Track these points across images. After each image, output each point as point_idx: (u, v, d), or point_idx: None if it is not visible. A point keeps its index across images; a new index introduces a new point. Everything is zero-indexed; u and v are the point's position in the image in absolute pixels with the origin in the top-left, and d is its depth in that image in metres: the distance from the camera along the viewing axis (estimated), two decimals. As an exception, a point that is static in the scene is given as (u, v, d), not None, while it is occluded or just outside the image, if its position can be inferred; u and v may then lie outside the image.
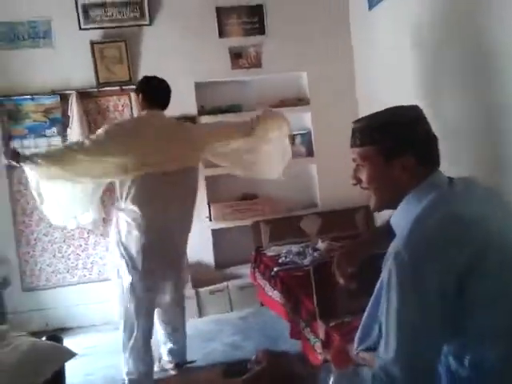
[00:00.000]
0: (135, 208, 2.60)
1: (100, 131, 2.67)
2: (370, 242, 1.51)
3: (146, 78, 2.91)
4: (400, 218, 1.22)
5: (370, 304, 1.35)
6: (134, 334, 2.66)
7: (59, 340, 1.94)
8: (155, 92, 2.79)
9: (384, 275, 1.12)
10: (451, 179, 1.23)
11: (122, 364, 2.72)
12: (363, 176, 1.26)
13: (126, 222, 2.64)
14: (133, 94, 3.80)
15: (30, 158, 2.58)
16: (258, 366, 1.15)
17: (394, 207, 1.24)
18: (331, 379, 0.85)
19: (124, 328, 2.68)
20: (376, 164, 1.22)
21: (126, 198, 2.63)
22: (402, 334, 1.05)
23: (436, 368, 1.11)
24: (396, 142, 1.20)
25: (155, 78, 2.86)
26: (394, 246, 1.12)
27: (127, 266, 2.62)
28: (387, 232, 1.29)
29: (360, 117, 1.31)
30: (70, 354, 1.88)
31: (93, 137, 2.65)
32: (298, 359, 1.24)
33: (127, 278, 2.63)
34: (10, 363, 1.68)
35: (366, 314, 1.36)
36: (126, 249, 2.63)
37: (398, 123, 1.21)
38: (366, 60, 3.91)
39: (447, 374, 1.14)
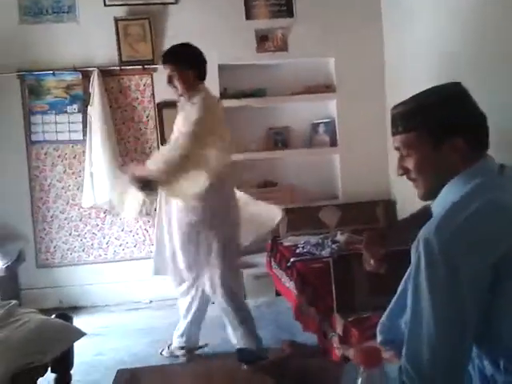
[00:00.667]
0: None
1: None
2: (405, 226, 1.40)
3: (190, 47, 2.67)
4: (438, 203, 1.13)
5: (398, 291, 1.26)
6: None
7: (69, 319, 1.89)
8: (205, 65, 2.67)
9: (412, 261, 1.05)
10: (503, 166, 1.12)
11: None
12: (410, 165, 1.16)
13: None
14: (159, 71, 3.70)
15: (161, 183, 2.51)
16: (282, 355, 1.12)
17: None
18: (359, 380, 0.78)
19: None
20: (423, 151, 1.12)
21: None
22: (430, 326, 0.98)
23: (466, 367, 1.04)
24: (442, 124, 1.10)
25: (195, 48, 2.68)
26: (424, 232, 1.04)
27: None
28: (425, 218, 1.19)
29: (394, 104, 1.20)
30: (79, 334, 1.84)
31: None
32: (321, 355, 1.18)
33: None
34: (17, 340, 1.65)
35: (394, 299, 1.26)
36: None
37: (442, 102, 1.11)
38: (397, 47, 3.77)
39: (481, 379, 1.07)
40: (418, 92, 1.17)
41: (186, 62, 2.60)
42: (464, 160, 1.10)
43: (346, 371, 1.06)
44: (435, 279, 0.98)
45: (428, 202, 1.21)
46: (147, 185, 2.47)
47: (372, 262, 1.34)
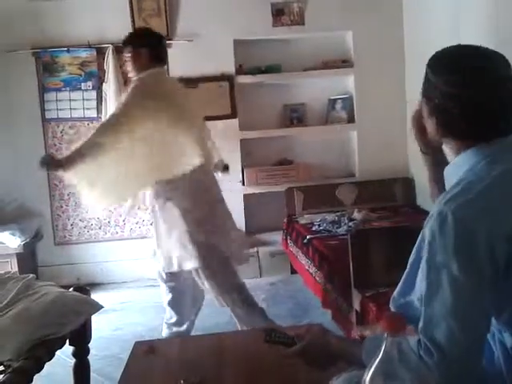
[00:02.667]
0: None
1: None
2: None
3: (148, 30, 2.66)
4: (452, 172, 1.09)
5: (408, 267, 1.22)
6: None
7: (86, 292, 1.90)
8: (162, 48, 2.54)
9: (426, 234, 1.02)
10: None
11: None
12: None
13: None
14: (173, 46, 3.63)
15: (74, 162, 2.32)
16: (301, 340, 1.14)
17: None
18: (383, 346, 0.76)
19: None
20: (424, 114, 1.12)
21: None
22: (447, 298, 0.96)
23: (485, 339, 1.02)
24: (432, 103, 1.07)
25: (154, 31, 2.61)
26: (437, 204, 1.01)
27: None
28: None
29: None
30: (97, 307, 1.85)
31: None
32: (338, 337, 1.17)
33: None
34: (35, 312, 1.66)
35: (404, 275, 1.23)
36: None
37: (446, 79, 1.04)
38: (417, 20, 3.66)
39: (502, 350, 1.04)
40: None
41: (140, 41, 2.49)
42: (464, 136, 1.06)
43: (367, 344, 1.04)
44: (450, 248, 0.96)
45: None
46: (45, 162, 2.34)
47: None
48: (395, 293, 1.22)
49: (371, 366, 0.80)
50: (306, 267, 3.09)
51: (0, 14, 3.70)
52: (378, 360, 0.79)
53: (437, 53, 1.11)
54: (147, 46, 2.46)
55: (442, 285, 0.96)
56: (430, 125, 1.10)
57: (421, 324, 0.99)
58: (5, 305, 1.69)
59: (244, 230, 4.02)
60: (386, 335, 0.78)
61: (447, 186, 1.11)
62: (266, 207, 4.04)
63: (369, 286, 2.14)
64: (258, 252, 3.88)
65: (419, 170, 3.78)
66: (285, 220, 3.83)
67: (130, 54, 2.48)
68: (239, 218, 3.99)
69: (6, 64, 3.71)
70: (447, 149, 1.12)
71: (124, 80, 3.76)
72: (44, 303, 1.69)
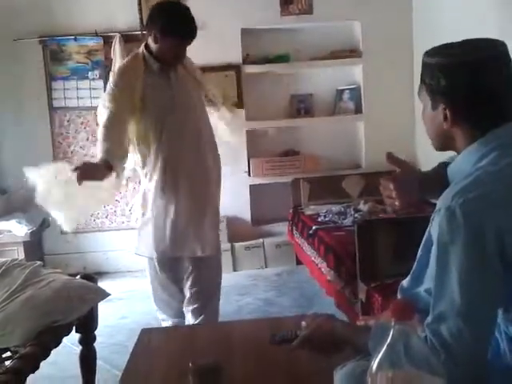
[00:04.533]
0: None
1: None
2: (435, 177, 1.23)
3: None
4: (457, 169, 1.08)
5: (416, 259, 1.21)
6: None
7: (93, 280, 1.91)
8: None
9: (433, 231, 1.01)
10: None
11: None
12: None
13: None
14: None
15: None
16: (306, 330, 1.13)
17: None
18: (391, 333, 0.77)
19: None
20: (426, 105, 1.10)
21: None
22: (455, 294, 0.95)
23: (492, 335, 1.01)
24: (441, 89, 1.04)
25: None
26: (444, 198, 1.00)
27: None
28: (440, 181, 1.14)
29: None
30: (104, 294, 1.86)
31: None
32: (345, 323, 1.17)
33: None
34: (42, 299, 1.67)
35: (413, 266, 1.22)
36: None
37: (453, 66, 1.03)
38: (426, 9, 3.62)
39: (508, 344, 1.03)
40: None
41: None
42: (468, 134, 1.05)
43: (374, 332, 1.04)
44: (459, 244, 0.94)
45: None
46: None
47: (397, 202, 1.17)
48: (403, 282, 1.22)
49: (377, 355, 0.79)
50: (312, 258, 3.09)
51: (8, 3, 3.69)
52: (384, 349, 0.78)
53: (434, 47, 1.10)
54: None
55: (450, 281, 0.95)
56: (435, 118, 1.08)
57: (428, 320, 0.98)
58: (12, 291, 1.70)
59: (250, 220, 4.03)
60: (393, 323, 0.77)
61: (452, 180, 1.09)
62: (271, 198, 4.04)
63: (374, 276, 2.14)
64: (263, 243, 3.88)
65: (427, 162, 3.76)
66: (290, 211, 3.82)
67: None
68: (245, 209, 4.00)
69: (13, 52, 3.71)
70: (456, 141, 1.09)
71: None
72: (51, 290, 1.70)
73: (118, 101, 2.14)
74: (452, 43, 1.10)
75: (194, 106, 2.32)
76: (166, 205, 2.25)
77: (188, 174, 2.26)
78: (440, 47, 1.09)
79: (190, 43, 2.26)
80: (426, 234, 1.11)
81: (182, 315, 2.39)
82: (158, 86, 2.23)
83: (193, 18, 2.21)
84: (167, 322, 2.42)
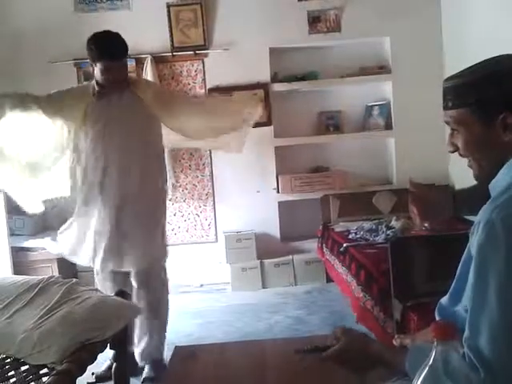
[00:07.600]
0: None
1: None
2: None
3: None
4: (497, 183, 1.05)
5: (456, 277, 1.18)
6: None
7: (127, 296, 1.92)
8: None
9: (473, 245, 0.98)
10: None
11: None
12: (459, 142, 1.09)
13: None
14: (210, 56, 3.69)
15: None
16: (337, 342, 1.11)
17: None
18: (433, 353, 0.74)
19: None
20: (473, 129, 1.05)
21: None
22: (493, 311, 0.92)
23: None
24: (497, 98, 1.01)
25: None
26: (484, 211, 0.97)
27: None
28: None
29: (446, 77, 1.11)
30: (137, 311, 1.87)
31: None
32: (378, 342, 1.14)
33: None
34: (78, 316, 1.68)
35: (452, 284, 1.19)
36: None
37: (501, 74, 1.01)
38: (456, 25, 3.59)
39: None
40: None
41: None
42: None
43: (412, 353, 1.02)
44: (500, 259, 0.92)
45: None
46: None
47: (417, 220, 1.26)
48: (442, 300, 1.19)
49: (419, 376, 0.78)
50: (343, 275, 3.05)
51: (43, 26, 3.83)
52: (426, 369, 0.77)
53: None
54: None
55: (488, 295, 0.93)
56: (489, 136, 1.04)
57: (466, 335, 0.96)
58: (49, 308, 1.72)
59: (279, 237, 4.02)
60: (435, 343, 0.75)
61: (493, 194, 1.07)
62: (300, 214, 4.03)
63: (409, 295, 2.09)
64: (292, 259, 3.86)
65: (459, 178, 3.69)
66: (320, 227, 3.80)
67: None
68: (274, 226, 3.99)
69: (48, 74, 3.82)
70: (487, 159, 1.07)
71: (162, 89, 3.83)
72: (87, 307, 1.71)
73: (58, 93, 2.44)
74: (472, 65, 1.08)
75: (127, 132, 2.41)
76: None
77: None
78: (466, 69, 1.07)
79: (122, 64, 2.41)
80: (466, 250, 1.08)
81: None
82: (95, 110, 2.42)
83: (118, 40, 2.40)
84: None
